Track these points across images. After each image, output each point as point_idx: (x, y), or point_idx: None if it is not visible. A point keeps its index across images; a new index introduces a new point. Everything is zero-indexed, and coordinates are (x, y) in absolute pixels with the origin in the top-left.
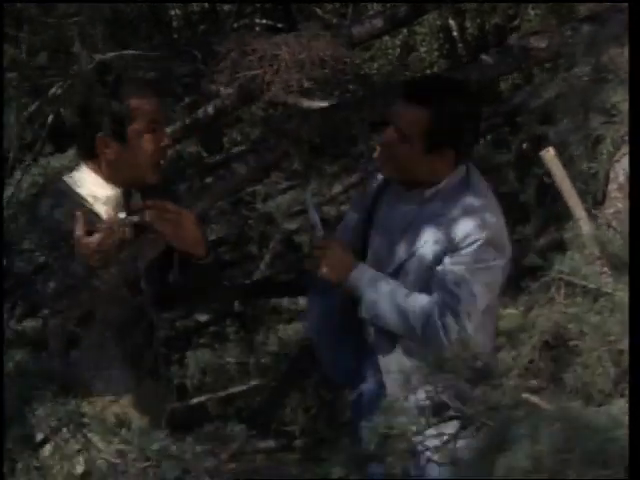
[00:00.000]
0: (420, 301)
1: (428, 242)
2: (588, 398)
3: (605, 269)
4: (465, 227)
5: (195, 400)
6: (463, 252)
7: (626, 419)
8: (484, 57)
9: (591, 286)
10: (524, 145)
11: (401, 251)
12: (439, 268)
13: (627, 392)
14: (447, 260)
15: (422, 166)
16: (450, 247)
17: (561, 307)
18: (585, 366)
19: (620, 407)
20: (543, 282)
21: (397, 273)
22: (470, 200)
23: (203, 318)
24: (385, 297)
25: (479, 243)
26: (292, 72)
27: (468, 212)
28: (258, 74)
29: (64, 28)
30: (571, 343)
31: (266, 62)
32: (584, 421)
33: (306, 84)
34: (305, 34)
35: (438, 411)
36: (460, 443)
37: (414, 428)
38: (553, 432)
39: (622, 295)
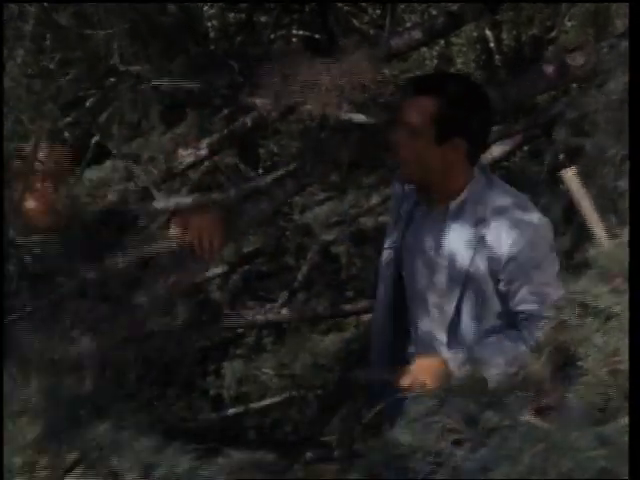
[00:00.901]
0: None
1: (473, 259)
2: (590, 418)
3: (623, 287)
4: (507, 235)
5: (232, 411)
6: (516, 265)
7: (617, 439)
8: (523, 76)
9: (601, 306)
10: (560, 156)
11: (442, 274)
12: (512, 294)
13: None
14: (508, 280)
15: (436, 159)
16: (498, 260)
17: (571, 328)
18: (587, 386)
19: (616, 427)
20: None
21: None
22: (500, 201)
23: (239, 328)
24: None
25: (527, 247)
26: (332, 96)
27: (502, 214)
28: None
29: (98, 40)
30: (578, 363)
31: (307, 89)
32: (567, 441)
33: (345, 108)
34: (345, 59)
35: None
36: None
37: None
38: (534, 453)
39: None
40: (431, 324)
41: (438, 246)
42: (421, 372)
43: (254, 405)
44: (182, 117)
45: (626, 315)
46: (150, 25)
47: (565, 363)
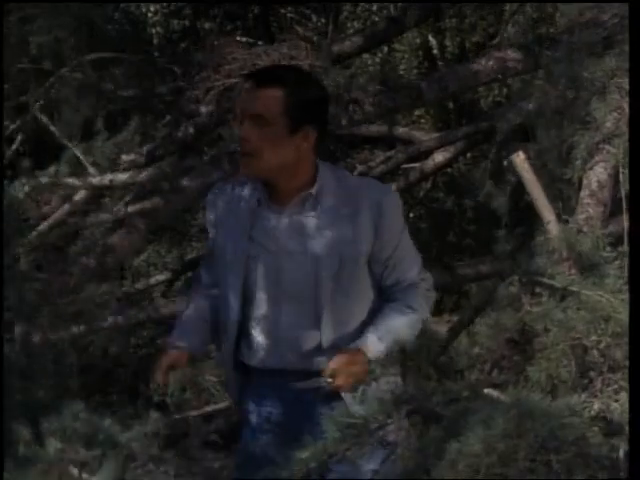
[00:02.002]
0: (412, 302)
1: (345, 243)
2: (551, 392)
3: (573, 270)
4: (375, 214)
5: (175, 417)
6: (390, 227)
7: (583, 410)
8: (459, 66)
9: (557, 285)
10: (505, 162)
11: (315, 265)
12: (386, 255)
13: (589, 386)
14: (386, 244)
15: (289, 150)
16: (379, 228)
17: (527, 305)
18: (548, 360)
19: (579, 400)
20: (510, 281)
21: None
22: (354, 182)
23: None
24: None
25: (394, 220)
26: None
27: (363, 194)
28: (237, 82)
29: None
30: (536, 340)
31: (245, 70)
32: (539, 409)
33: None
34: (286, 44)
35: (398, 404)
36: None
37: (375, 419)
38: (507, 418)
39: (588, 294)
40: (303, 320)
41: (306, 239)
42: (348, 366)
43: (197, 412)
44: (126, 123)
45: (587, 295)
46: (94, 31)
47: (522, 339)
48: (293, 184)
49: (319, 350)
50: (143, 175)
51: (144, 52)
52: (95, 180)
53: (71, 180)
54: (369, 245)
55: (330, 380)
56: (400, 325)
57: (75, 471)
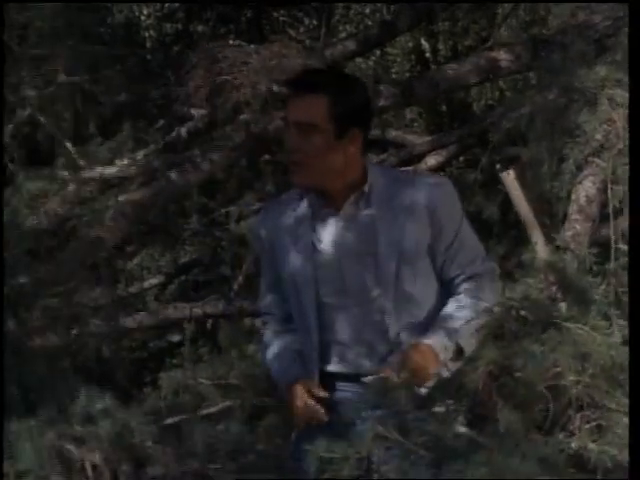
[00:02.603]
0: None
1: (406, 240)
2: (527, 431)
3: (558, 295)
4: (431, 206)
5: (169, 421)
6: (446, 216)
7: (557, 459)
8: (451, 65)
9: (540, 317)
10: (497, 166)
11: (382, 264)
12: (444, 245)
13: (568, 426)
14: (443, 235)
15: (338, 154)
16: (436, 225)
17: (508, 337)
18: (525, 400)
19: (555, 444)
20: (493, 313)
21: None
22: (404, 176)
23: (176, 339)
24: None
25: (451, 196)
26: (261, 77)
27: (416, 187)
28: (228, 79)
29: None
30: (515, 375)
31: (236, 68)
32: (510, 468)
33: (275, 88)
34: (277, 44)
35: (377, 440)
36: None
37: (356, 454)
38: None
39: (571, 326)
40: (370, 322)
41: (364, 237)
42: (417, 359)
43: (191, 415)
44: (119, 127)
45: (569, 327)
46: (88, 35)
47: (501, 374)
48: (344, 186)
49: (389, 351)
50: (133, 168)
51: (137, 56)
52: (85, 174)
53: (61, 173)
54: (427, 237)
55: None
56: (466, 318)
57: (72, 448)
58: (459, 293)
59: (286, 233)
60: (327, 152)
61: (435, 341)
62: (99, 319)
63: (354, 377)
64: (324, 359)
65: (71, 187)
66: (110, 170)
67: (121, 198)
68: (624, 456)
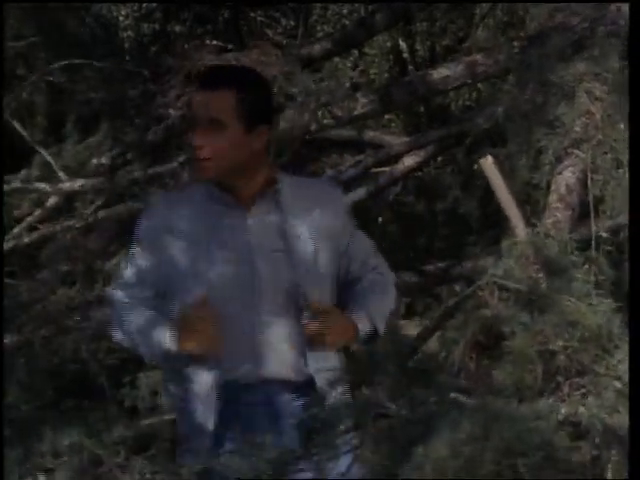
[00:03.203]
0: (381, 280)
1: (313, 242)
2: (517, 396)
3: (540, 275)
4: (337, 212)
5: (147, 422)
6: (344, 218)
7: (549, 415)
8: (429, 71)
9: (524, 289)
10: (475, 166)
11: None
12: (347, 246)
13: (556, 391)
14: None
15: (245, 150)
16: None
17: (493, 309)
18: (514, 364)
19: (546, 404)
20: (477, 285)
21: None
22: (309, 180)
23: None
24: (381, 310)
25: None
26: None
27: (325, 194)
28: None
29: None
30: (503, 343)
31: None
32: (505, 413)
33: None
34: (256, 51)
35: (364, 408)
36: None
37: (341, 425)
38: (473, 422)
39: (555, 298)
40: (279, 323)
41: (274, 238)
42: (334, 324)
43: (168, 417)
44: (97, 127)
45: (553, 298)
46: (66, 35)
47: (488, 342)
48: (252, 184)
49: (300, 356)
50: (113, 181)
51: (115, 56)
52: (65, 185)
53: (42, 185)
54: (331, 240)
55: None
56: (379, 295)
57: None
58: (366, 279)
59: (183, 228)
60: (235, 148)
61: (358, 316)
62: (76, 318)
63: (260, 384)
64: (226, 367)
65: (51, 200)
66: (90, 182)
67: (102, 213)
68: (614, 419)
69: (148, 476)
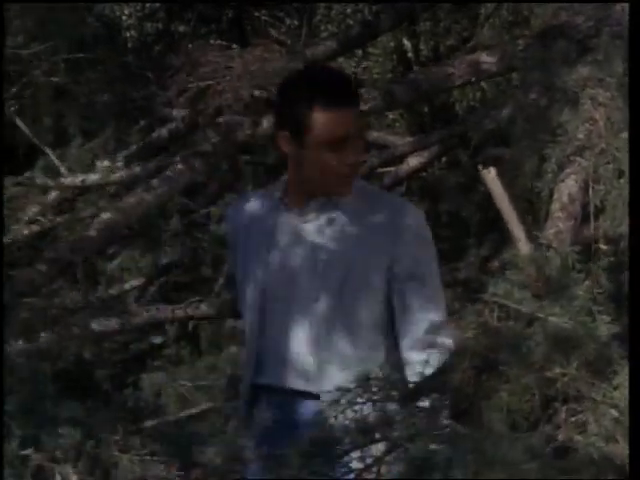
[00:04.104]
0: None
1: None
2: (513, 425)
3: (542, 292)
4: (401, 224)
5: (149, 423)
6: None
7: (543, 450)
8: (432, 69)
9: (524, 310)
10: (479, 167)
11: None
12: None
13: (553, 417)
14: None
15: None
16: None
17: (493, 331)
18: (511, 393)
19: (542, 436)
20: (477, 304)
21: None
22: (372, 189)
23: (157, 340)
24: None
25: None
26: (244, 82)
27: (387, 203)
28: (211, 84)
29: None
30: (500, 368)
31: (219, 73)
32: (498, 455)
33: (257, 93)
34: (260, 49)
35: (364, 432)
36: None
37: (339, 447)
38: (465, 467)
39: (555, 321)
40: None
41: (324, 247)
42: None
43: (172, 417)
44: (100, 128)
45: (554, 322)
46: (70, 36)
47: (486, 368)
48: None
49: (310, 371)
50: (116, 176)
51: (118, 56)
52: (67, 181)
53: (43, 180)
54: (386, 258)
55: None
56: None
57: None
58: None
59: (251, 231)
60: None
61: None
62: (79, 321)
63: (284, 392)
64: (258, 369)
65: (52, 194)
66: (92, 177)
67: (102, 205)
68: (611, 448)
69: (147, 455)
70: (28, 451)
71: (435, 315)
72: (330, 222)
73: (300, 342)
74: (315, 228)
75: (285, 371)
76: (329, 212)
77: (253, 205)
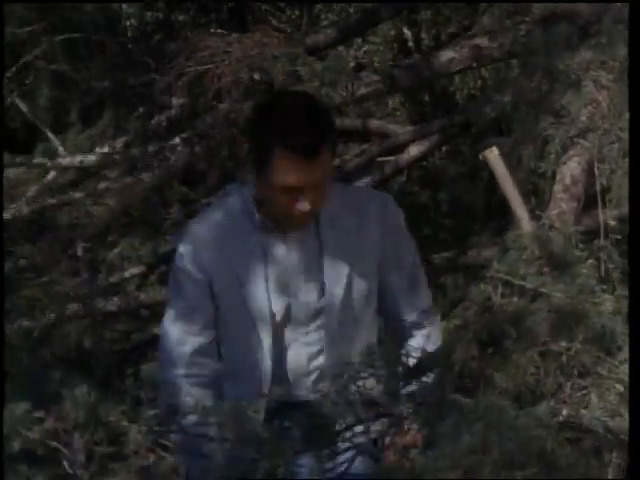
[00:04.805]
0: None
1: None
2: (518, 399)
3: (545, 269)
4: (381, 222)
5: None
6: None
7: (550, 420)
8: (434, 54)
9: (528, 286)
10: (480, 156)
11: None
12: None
13: (557, 392)
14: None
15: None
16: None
17: (497, 307)
18: (516, 367)
19: (547, 408)
20: (481, 281)
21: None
22: (353, 189)
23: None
24: None
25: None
26: (242, 66)
27: (364, 204)
28: (209, 68)
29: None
30: (505, 343)
31: (217, 57)
32: (505, 422)
33: (257, 76)
34: (258, 34)
35: (367, 407)
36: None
37: (341, 422)
38: (473, 432)
39: (559, 297)
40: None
41: (316, 263)
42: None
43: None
44: (100, 115)
45: (558, 297)
46: (69, 23)
47: (490, 343)
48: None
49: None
50: (113, 157)
51: (118, 44)
52: (65, 161)
53: (41, 160)
54: (376, 257)
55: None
56: None
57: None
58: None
59: (231, 255)
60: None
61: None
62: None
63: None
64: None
65: (51, 175)
66: (90, 158)
67: (101, 186)
68: (616, 422)
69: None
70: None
71: (426, 298)
72: (316, 243)
73: (312, 357)
74: (303, 249)
75: (298, 385)
76: (310, 234)
77: (221, 226)
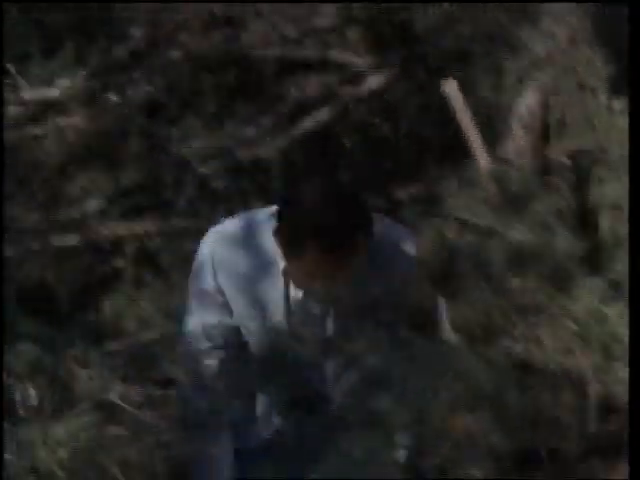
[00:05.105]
0: None
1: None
2: (471, 337)
3: (500, 206)
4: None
5: (112, 346)
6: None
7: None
8: None
9: (483, 224)
10: (440, 89)
11: None
12: None
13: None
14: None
15: None
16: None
17: (451, 244)
18: (469, 304)
19: (500, 349)
20: (435, 218)
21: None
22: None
23: (120, 264)
24: None
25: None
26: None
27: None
28: None
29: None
30: (458, 280)
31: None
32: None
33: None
34: None
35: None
36: None
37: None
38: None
39: (513, 234)
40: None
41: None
42: None
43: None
44: (60, 47)
45: (511, 234)
46: None
47: (445, 277)
48: None
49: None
50: (73, 90)
51: None
52: (27, 95)
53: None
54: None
55: None
56: None
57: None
58: None
59: (254, 275)
60: None
61: None
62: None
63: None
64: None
65: (11, 108)
66: (51, 92)
67: (61, 120)
68: (570, 362)
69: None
70: None
71: None
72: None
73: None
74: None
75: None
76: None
77: (240, 241)
